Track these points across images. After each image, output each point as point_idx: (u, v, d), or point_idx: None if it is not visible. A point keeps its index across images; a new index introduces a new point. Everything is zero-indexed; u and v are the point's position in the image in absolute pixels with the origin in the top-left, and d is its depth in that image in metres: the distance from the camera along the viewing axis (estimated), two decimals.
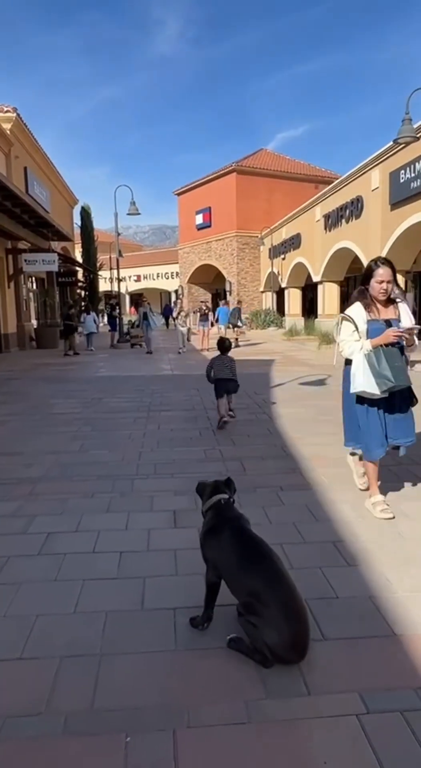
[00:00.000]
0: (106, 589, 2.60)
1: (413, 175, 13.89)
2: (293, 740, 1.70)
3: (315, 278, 22.02)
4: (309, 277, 23.49)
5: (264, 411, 6.88)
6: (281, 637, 1.96)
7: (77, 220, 29.29)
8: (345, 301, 10.06)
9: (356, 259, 18.44)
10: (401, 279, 15.94)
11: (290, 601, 2.02)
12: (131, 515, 3.50)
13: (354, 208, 17.62)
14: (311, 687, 1.92)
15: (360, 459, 3.66)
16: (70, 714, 1.82)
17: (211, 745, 1.68)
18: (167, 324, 28.22)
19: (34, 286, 21.42)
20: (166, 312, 31.75)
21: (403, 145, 12.89)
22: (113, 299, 21.28)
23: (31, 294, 20.20)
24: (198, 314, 17.37)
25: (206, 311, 17.06)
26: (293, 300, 27.15)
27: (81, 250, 29.43)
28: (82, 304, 23.12)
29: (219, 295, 37.53)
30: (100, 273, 30.91)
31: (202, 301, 18.52)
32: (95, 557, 2.93)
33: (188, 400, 7.76)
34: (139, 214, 20.19)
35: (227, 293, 33.30)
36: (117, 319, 18.85)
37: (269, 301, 31.07)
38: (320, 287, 21.51)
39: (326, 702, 1.85)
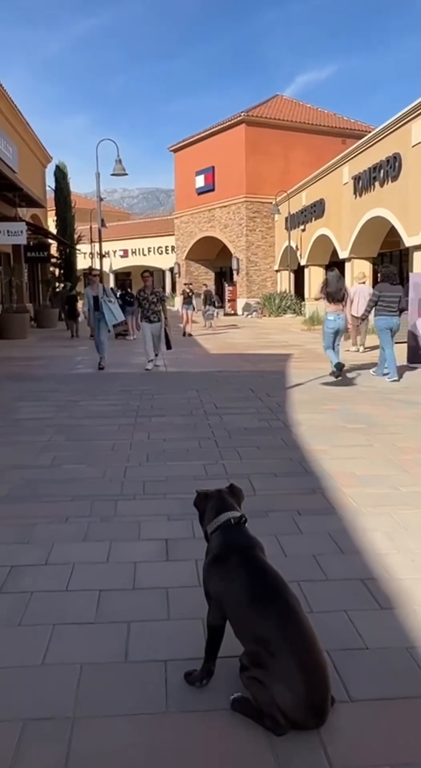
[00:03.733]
0: (81, 637, 2.58)
1: None
2: None
3: (342, 254, 22.02)
4: (334, 252, 23.50)
5: (278, 417, 6.87)
6: (294, 697, 1.93)
7: (51, 182, 29.38)
8: (377, 283, 10.11)
9: (393, 231, 18.43)
10: None
11: (307, 651, 1.99)
12: (114, 545, 3.49)
13: (390, 168, 17.61)
14: (334, 760, 1.90)
15: None
16: None
17: None
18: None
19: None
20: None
21: None
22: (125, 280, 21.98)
23: None
24: (183, 297, 20.13)
25: (190, 294, 19.87)
26: (315, 281, 27.13)
27: (55, 218, 29.51)
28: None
29: (224, 275, 37.64)
30: (78, 247, 30.94)
31: (185, 284, 21.95)
32: (68, 597, 2.92)
33: (185, 404, 7.76)
34: (126, 174, 20.28)
35: (234, 273, 33.37)
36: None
37: (284, 282, 31.12)
38: (347, 265, 21.49)
39: None
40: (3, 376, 10.73)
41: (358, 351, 13.57)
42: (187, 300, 19.82)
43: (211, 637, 2.25)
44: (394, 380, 9.35)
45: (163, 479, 4.68)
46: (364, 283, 14.39)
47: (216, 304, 23.52)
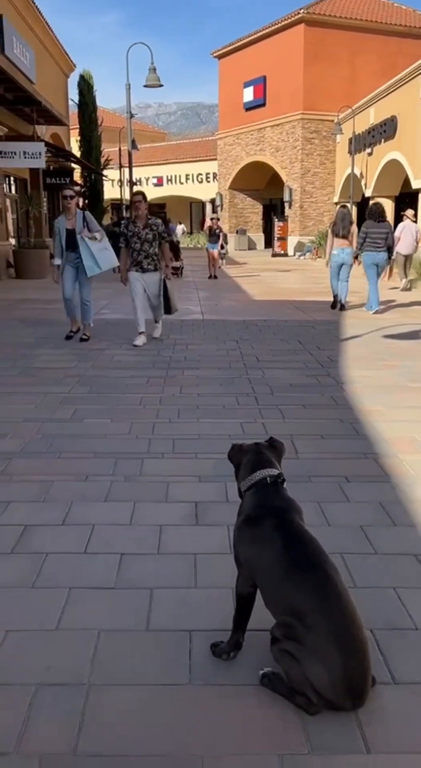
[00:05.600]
0: (99, 602, 2.73)
1: None
2: None
3: (415, 183, 21.40)
4: (407, 181, 22.84)
5: (329, 373, 6.88)
6: (330, 675, 2.02)
7: (73, 95, 29.13)
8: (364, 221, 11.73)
9: None
10: None
11: (345, 625, 2.07)
12: (138, 506, 3.62)
13: None
14: (371, 742, 1.99)
15: None
16: (45, 757, 1.95)
17: None
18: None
19: (13, 190, 21.61)
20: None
21: None
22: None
23: (7, 201, 20.42)
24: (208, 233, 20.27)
25: (217, 231, 19.97)
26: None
27: (79, 138, 29.34)
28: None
29: (273, 209, 37.08)
30: (105, 173, 30.84)
31: (212, 218, 21.48)
32: (87, 559, 3.07)
33: (223, 356, 7.83)
34: (161, 86, 19.98)
35: (285, 206, 32.81)
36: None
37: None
38: None
39: (390, 764, 1.92)
40: (18, 320, 10.95)
41: (409, 289, 15.26)
42: (214, 237, 19.93)
43: (239, 607, 2.35)
44: (376, 311, 11.39)
45: (195, 437, 4.79)
46: (415, 221, 15.92)
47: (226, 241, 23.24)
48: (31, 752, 1.97)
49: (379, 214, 11.50)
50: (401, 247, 14.92)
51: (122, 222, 19.98)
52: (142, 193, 8.64)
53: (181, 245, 22.29)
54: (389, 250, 11.40)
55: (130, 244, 8.52)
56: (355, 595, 2.24)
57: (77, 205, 9.05)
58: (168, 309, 8.81)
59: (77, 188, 27.68)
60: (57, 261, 8.78)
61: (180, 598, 2.75)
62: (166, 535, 3.29)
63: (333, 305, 11.95)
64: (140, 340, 8.51)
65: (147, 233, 8.45)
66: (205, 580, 2.89)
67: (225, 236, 22.73)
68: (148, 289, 8.62)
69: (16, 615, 2.65)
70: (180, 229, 38.81)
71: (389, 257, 11.53)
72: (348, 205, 11.96)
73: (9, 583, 2.88)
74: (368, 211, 11.83)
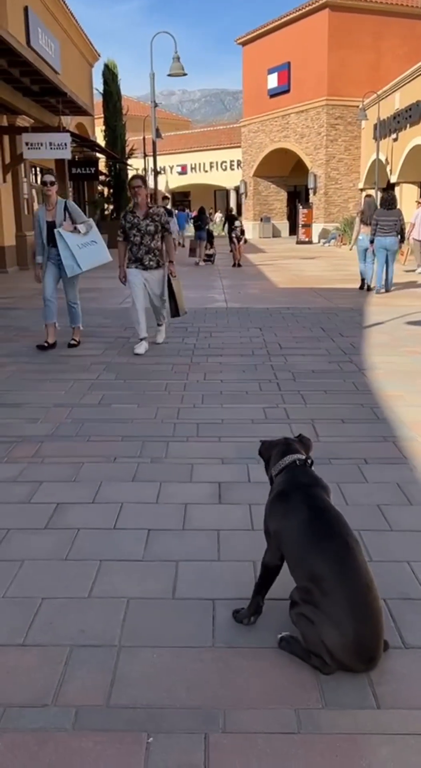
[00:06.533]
0: (128, 573, 2.91)
1: None
2: (351, 757, 1.93)
3: None
4: None
5: (351, 359, 6.98)
6: (343, 638, 2.18)
7: (98, 84, 29.24)
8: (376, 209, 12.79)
9: None
10: None
11: (360, 592, 2.23)
12: (164, 486, 3.80)
13: None
14: (382, 699, 2.14)
15: None
16: (81, 708, 2.14)
17: (249, 754, 1.94)
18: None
19: (39, 181, 21.84)
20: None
21: None
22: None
23: (34, 192, 20.68)
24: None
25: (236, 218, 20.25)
26: (408, 201, 26.29)
27: (103, 128, 29.45)
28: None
29: (297, 195, 36.92)
30: (130, 162, 30.98)
31: (228, 209, 22.20)
32: (116, 534, 3.26)
33: (247, 343, 7.96)
34: (185, 74, 20.02)
35: (310, 193, 32.67)
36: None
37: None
38: None
39: (398, 717, 2.07)
40: None
41: None
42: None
43: (263, 576, 2.51)
44: (380, 292, 12.55)
45: (218, 422, 4.95)
46: None
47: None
48: (68, 703, 2.16)
49: (389, 202, 12.62)
50: (417, 233, 15.43)
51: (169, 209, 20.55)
52: (141, 178, 7.68)
53: (214, 234, 22.30)
54: (401, 235, 12.64)
55: (129, 237, 7.44)
56: (373, 569, 2.39)
57: (58, 192, 7.64)
58: (176, 311, 7.73)
59: (101, 177, 27.88)
60: (38, 258, 7.72)
61: (204, 569, 2.92)
62: (191, 513, 3.46)
63: (361, 286, 13.26)
64: (141, 348, 7.39)
65: (148, 224, 7.34)
66: (228, 553, 3.05)
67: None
68: (150, 288, 7.57)
69: (51, 584, 2.84)
70: (217, 217, 38.81)
71: (402, 241, 13.02)
72: (372, 194, 12.77)
73: (43, 556, 3.07)
74: (380, 200, 13.15)
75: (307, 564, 2.31)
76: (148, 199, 7.62)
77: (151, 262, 7.47)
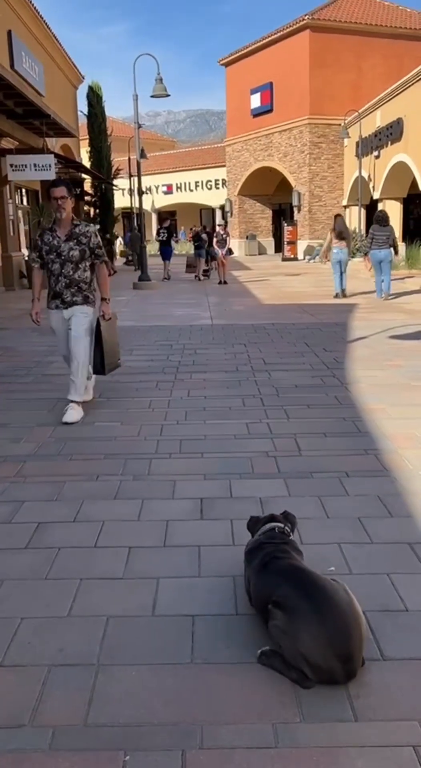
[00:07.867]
0: (109, 591, 2.89)
1: None
2: None
3: None
4: (414, 183, 22.91)
5: (334, 374, 7.02)
6: (315, 640, 2.22)
7: (83, 106, 29.45)
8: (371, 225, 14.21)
9: None
10: None
11: (326, 599, 2.32)
12: (146, 503, 3.79)
13: None
14: (359, 712, 2.14)
15: None
16: (58, 728, 2.12)
17: None
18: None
19: (25, 202, 21.95)
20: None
21: None
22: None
23: (19, 213, 20.76)
24: (215, 239, 20.79)
25: (224, 236, 20.43)
26: (391, 218, 26.63)
27: (88, 149, 29.63)
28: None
29: (282, 213, 37.22)
30: (115, 183, 31.14)
31: (219, 224, 22.86)
32: (97, 552, 3.24)
33: (231, 359, 7.99)
34: (167, 95, 20.16)
35: (294, 210, 32.93)
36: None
37: (354, 219, 30.47)
38: None
39: (375, 730, 2.06)
40: (31, 329, 11.14)
41: None
42: (221, 242, 20.22)
43: None
44: (385, 298, 13.82)
45: (201, 438, 4.95)
46: None
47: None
48: (45, 723, 2.14)
49: (383, 219, 13.97)
50: None
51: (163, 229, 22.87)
52: (64, 183, 5.67)
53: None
54: (393, 248, 13.93)
55: (47, 264, 5.66)
56: (351, 581, 2.45)
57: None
58: (101, 367, 5.89)
59: (87, 198, 28.00)
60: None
61: (184, 586, 2.91)
62: (172, 529, 3.45)
63: (336, 295, 14.63)
64: (72, 416, 5.42)
65: (72, 248, 5.53)
66: (209, 569, 3.04)
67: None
68: (76, 331, 5.59)
69: (31, 604, 2.82)
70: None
71: (396, 253, 14.40)
72: (341, 212, 14.19)
73: (23, 576, 3.05)
74: (374, 217, 14.31)
75: (267, 596, 2.44)
76: (74, 213, 5.71)
77: (75, 298, 5.62)
